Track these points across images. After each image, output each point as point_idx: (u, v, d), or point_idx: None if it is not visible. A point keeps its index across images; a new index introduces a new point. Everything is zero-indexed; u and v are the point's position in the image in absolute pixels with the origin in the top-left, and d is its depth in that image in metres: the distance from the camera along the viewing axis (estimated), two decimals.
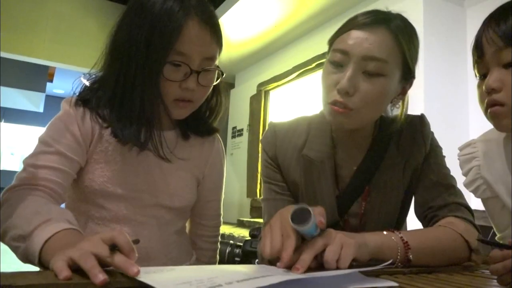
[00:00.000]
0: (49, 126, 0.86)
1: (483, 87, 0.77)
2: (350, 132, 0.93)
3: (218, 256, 1.10)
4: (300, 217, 0.62)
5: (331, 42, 0.88)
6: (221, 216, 1.08)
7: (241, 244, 1.52)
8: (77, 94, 0.90)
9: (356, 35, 0.83)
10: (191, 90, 0.84)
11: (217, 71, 0.89)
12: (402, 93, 0.91)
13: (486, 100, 0.77)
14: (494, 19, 0.77)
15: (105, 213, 0.87)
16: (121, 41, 0.84)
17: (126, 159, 0.88)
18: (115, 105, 0.85)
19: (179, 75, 0.83)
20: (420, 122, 0.98)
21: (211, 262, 1.06)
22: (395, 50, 0.83)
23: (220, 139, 1.07)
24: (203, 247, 1.05)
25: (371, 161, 0.94)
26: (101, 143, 0.87)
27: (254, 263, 0.74)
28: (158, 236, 0.91)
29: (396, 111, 0.96)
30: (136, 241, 0.64)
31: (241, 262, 0.81)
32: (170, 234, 0.94)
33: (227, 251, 1.20)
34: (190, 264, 0.98)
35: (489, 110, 0.77)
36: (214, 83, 0.90)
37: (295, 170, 0.96)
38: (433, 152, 0.96)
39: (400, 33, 0.83)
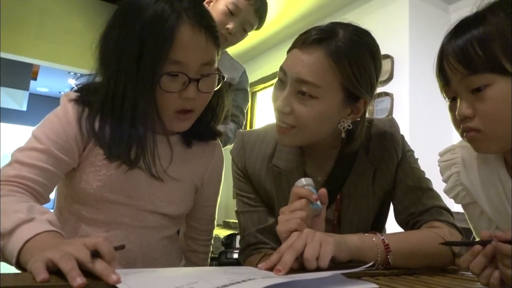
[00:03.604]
0: (45, 120, 0.82)
1: (456, 114, 0.77)
2: (315, 142, 0.90)
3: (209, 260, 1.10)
4: None
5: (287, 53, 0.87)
6: (215, 220, 1.07)
7: (216, 256, 1.51)
8: (77, 89, 0.86)
9: (294, 55, 0.82)
10: (192, 99, 0.80)
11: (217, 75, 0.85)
12: (355, 113, 0.86)
13: (461, 126, 0.77)
14: (451, 45, 0.75)
15: (97, 215, 0.84)
16: (110, 53, 0.79)
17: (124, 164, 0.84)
18: (105, 116, 0.82)
19: (177, 85, 0.78)
20: (389, 127, 0.96)
21: (203, 264, 1.06)
22: (331, 74, 0.79)
23: (221, 144, 1.04)
24: (196, 249, 1.05)
25: (341, 170, 0.93)
26: (98, 146, 0.83)
27: None
28: (148, 241, 0.89)
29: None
30: (121, 247, 0.64)
31: None
32: (160, 239, 0.92)
33: None
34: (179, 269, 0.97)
35: (465, 134, 0.78)
36: (216, 88, 0.86)
37: (266, 180, 0.95)
38: (406, 157, 0.96)
39: (337, 56, 0.78)
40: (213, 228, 1.07)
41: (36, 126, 0.82)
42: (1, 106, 7.52)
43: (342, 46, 0.79)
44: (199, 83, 0.80)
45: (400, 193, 0.94)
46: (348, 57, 0.79)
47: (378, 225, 0.99)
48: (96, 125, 0.81)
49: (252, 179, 0.97)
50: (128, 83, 0.77)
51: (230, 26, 1.46)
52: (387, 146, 0.94)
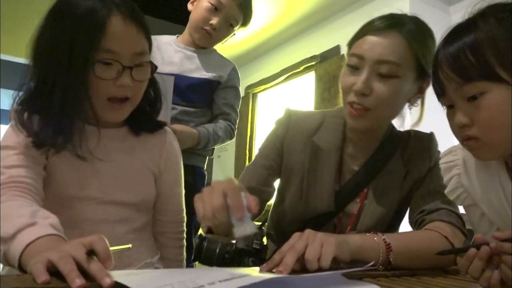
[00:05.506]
0: (5, 134, 0.85)
1: (454, 123, 0.77)
2: (362, 131, 0.97)
3: (185, 254, 1.06)
4: None
5: (350, 45, 0.94)
6: (184, 212, 1.05)
7: (233, 242, 1.48)
8: (18, 100, 0.89)
9: (370, 40, 0.89)
10: (126, 86, 0.83)
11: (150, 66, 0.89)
12: (420, 92, 0.95)
13: (460, 134, 0.77)
14: (444, 54, 0.75)
15: (60, 217, 0.84)
16: (44, 45, 0.84)
17: (73, 158, 0.86)
18: (33, 107, 0.85)
19: (111, 73, 0.82)
20: (428, 139, 1.03)
21: (177, 259, 1.03)
22: (407, 53, 0.88)
23: (172, 132, 1.05)
24: (167, 244, 1.02)
25: (374, 164, 0.97)
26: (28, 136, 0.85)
27: (248, 262, 0.76)
28: (113, 236, 0.88)
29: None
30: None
31: (231, 260, 0.80)
32: (128, 232, 0.91)
33: (218, 249, 1.16)
34: (153, 262, 0.95)
35: (464, 143, 0.77)
36: (149, 77, 0.90)
37: (299, 155, 0.99)
38: (436, 167, 0.98)
39: (412, 37, 0.88)
40: (182, 220, 1.05)
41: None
42: (1, 108, 7.50)
43: (413, 28, 0.90)
44: (133, 71, 0.84)
45: (420, 195, 0.96)
46: (420, 37, 0.90)
47: (393, 225, 1.01)
48: (25, 117, 0.84)
49: (284, 151, 1.01)
50: (59, 72, 0.81)
51: (213, 21, 1.49)
52: (422, 154, 0.99)
